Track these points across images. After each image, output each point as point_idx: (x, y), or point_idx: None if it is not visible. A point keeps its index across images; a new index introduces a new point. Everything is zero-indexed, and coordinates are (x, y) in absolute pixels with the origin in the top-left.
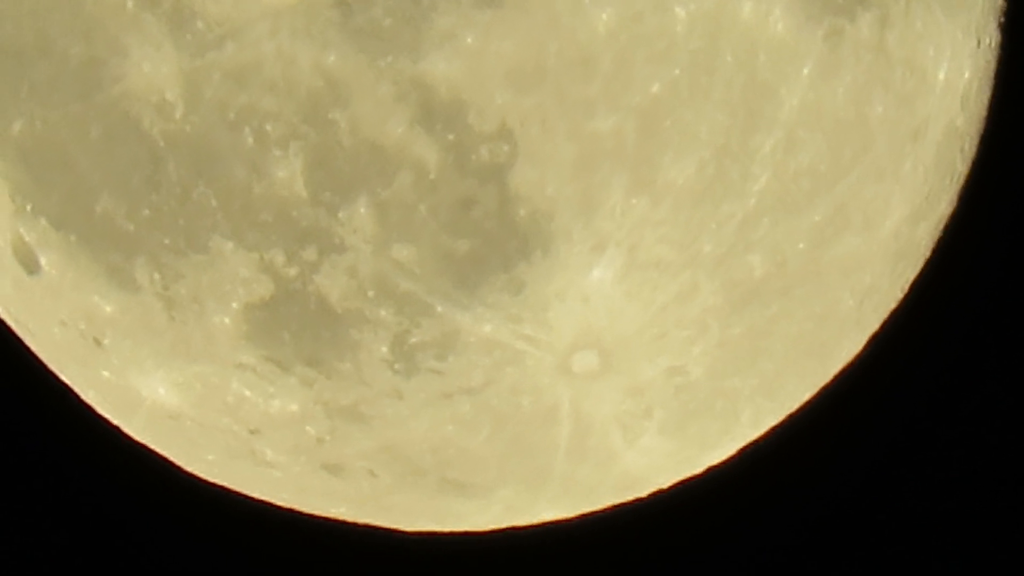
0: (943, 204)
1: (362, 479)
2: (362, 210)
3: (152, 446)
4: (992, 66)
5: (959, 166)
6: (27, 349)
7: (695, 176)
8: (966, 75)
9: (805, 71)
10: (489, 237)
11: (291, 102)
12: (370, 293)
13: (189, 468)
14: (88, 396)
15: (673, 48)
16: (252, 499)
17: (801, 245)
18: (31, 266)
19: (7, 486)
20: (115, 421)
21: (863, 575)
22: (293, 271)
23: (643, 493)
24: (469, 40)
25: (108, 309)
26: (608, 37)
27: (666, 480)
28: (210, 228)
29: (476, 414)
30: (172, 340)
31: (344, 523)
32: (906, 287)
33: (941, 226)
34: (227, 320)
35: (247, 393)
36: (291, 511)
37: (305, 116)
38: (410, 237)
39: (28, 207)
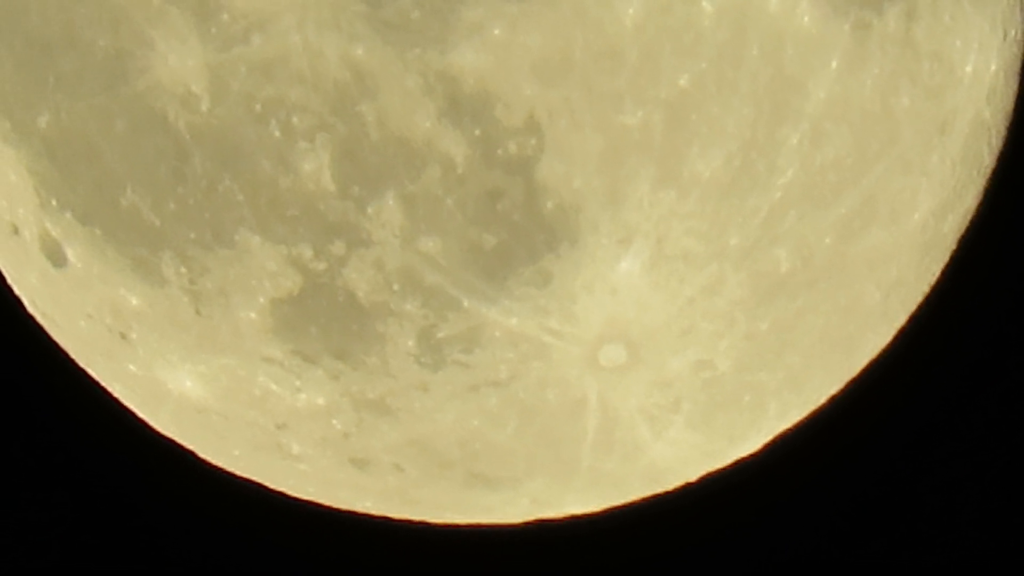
0: (970, 197)
1: (388, 473)
2: (390, 203)
3: (178, 440)
4: (1018, 59)
5: (986, 159)
6: (54, 342)
7: (722, 169)
8: (993, 68)
9: (832, 64)
10: (516, 230)
11: (318, 95)
12: (396, 287)
13: (215, 461)
14: (114, 390)
15: (700, 41)
16: (278, 493)
17: (827, 238)
18: (57, 259)
19: (33, 480)
20: (141, 415)
21: (889, 567)
22: (321, 265)
23: (670, 486)
24: (497, 32)
25: (134, 302)
26: (635, 30)
27: (693, 473)
28: (236, 222)
29: (503, 407)
30: (198, 334)
31: (370, 517)
32: (933, 280)
33: (968, 219)
34: (253, 314)
35: (273, 387)
36: (317, 505)
37: (332, 109)
38: (437, 230)
39: (54, 200)
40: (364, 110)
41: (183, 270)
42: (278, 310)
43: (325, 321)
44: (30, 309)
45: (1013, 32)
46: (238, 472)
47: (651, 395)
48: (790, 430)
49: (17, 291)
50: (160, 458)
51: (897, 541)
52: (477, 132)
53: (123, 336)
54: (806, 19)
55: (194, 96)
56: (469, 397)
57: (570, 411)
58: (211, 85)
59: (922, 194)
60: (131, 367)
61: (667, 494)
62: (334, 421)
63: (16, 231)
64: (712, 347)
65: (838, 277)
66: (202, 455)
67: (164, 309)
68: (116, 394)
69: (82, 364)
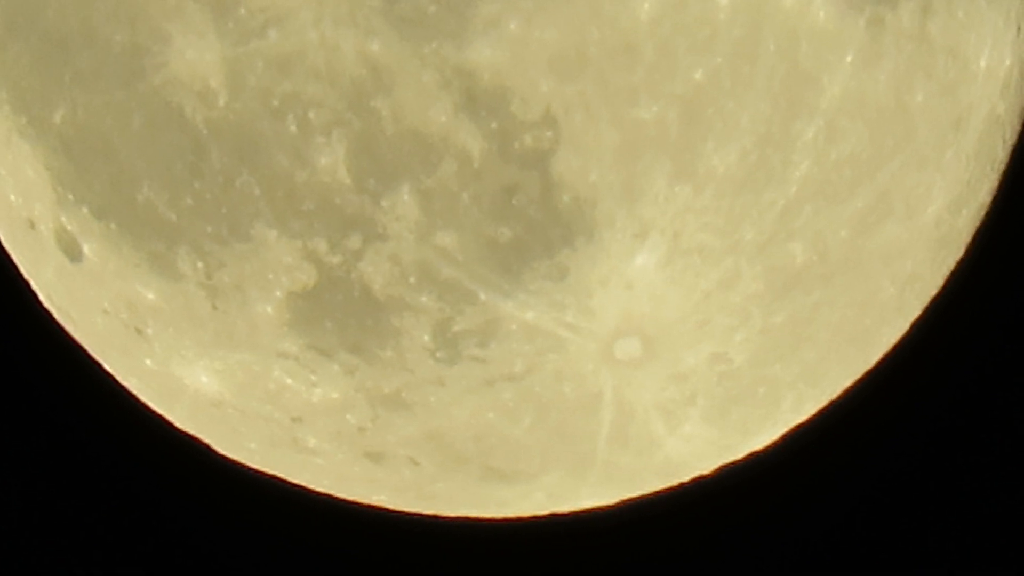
0: (984, 191)
1: (404, 467)
2: (405, 197)
3: (194, 434)
4: None
5: (1000, 154)
6: (70, 337)
7: (737, 164)
8: (1007, 62)
9: (847, 59)
10: (532, 224)
11: (334, 90)
12: (412, 280)
13: (231, 455)
14: (130, 385)
15: (715, 36)
16: (294, 486)
17: (842, 233)
18: (74, 254)
19: (50, 476)
20: (157, 410)
21: (903, 561)
22: (336, 259)
23: (685, 479)
24: (513, 27)
25: (150, 297)
26: (650, 25)
27: (708, 466)
28: (253, 216)
29: (518, 401)
30: (214, 329)
31: (385, 510)
32: (947, 274)
33: (982, 213)
34: (270, 308)
35: (289, 381)
36: (333, 498)
37: (348, 103)
38: (453, 224)
39: (70, 196)
40: (380, 105)
41: (199, 265)
42: (294, 304)
43: (341, 315)
44: (46, 304)
45: None
46: (254, 466)
47: (666, 389)
48: (805, 423)
49: (33, 286)
50: (176, 452)
51: (912, 534)
52: (493, 126)
53: (139, 331)
54: (821, 14)
55: (211, 91)
56: (485, 391)
57: (586, 405)
58: (228, 80)
59: (937, 189)
60: (147, 362)
61: (682, 487)
62: (349, 415)
63: (32, 226)
64: (727, 341)
65: (853, 271)
66: (218, 449)
67: (180, 304)
68: (132, 389)
69: (98, 359)
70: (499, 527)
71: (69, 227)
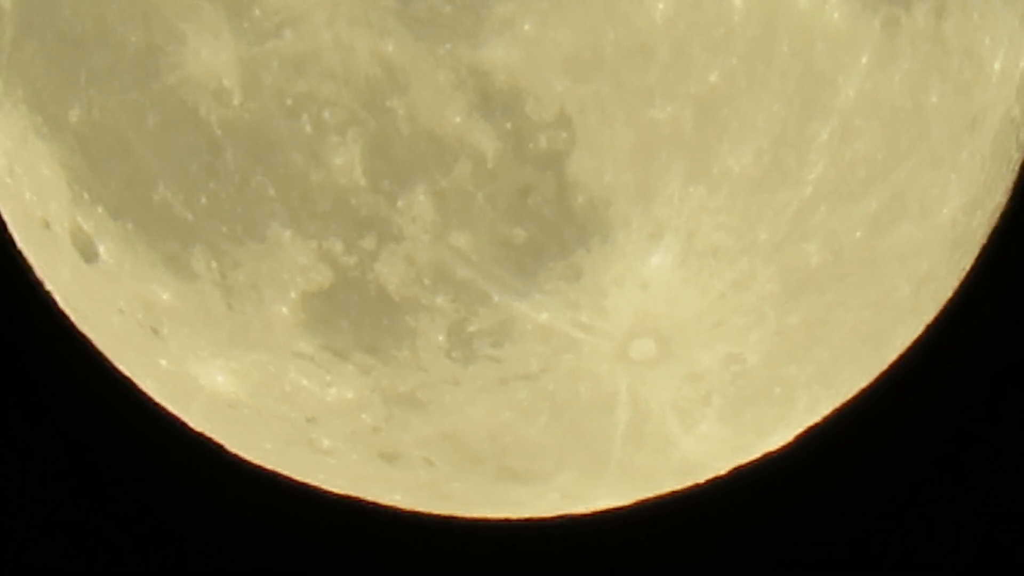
0: (999, 192)
1: (419, 467)
2: (421, 198)
3: (210, 434)
4: None
5: (1015, 154)
6: (85, 338)
7: (752, 164)
8: (1022, 64)
9: (862, 60)
10: (547, 225)
11: (349, 90)
12: (427, 281)
13: (246, 456)
14: (146, 385)
15: (730, 37)
16: (309, 487)
17: (857, 233)
18: (89, 254)
19: (65, 476)
20: (173, 410)
21: (916, 561)
22: (352, 260)
23: (700, 479)
24: (527, 28)
25: (166, 297)
26: (666, 25)
27: (723, 466)
28: (268, 216)
29: (533, 401)
30: (230, 328)
31: (400, 511)
32: (963, 275)
33: (997, 214)
34: (285, 309)
35: (304, 381)
36: (347, 498)
37: (363, 103)
38: (468, 225)
39: (85, 195)
40: (395, 105)
41: (214, 265)
42: (309, 304)
43: (356, 315)
44: (61, 304)
45: None
46: (269, 466)
47: (681, 389)
48: (820, 424)
49: (48, 286)
50: (191, 452)
51: (925, 534)
52: (508, 127)
53: (155, 331)
54: (836, 15)
55: (226, 91)
56: (499, 391)
57: (601, 405)
58: (243, 80)
59: (952, 189)
60: (163, 362)
61: (697, 487)
62: (364, 415)
63: (47, 226)
64: (742, 341)
65: (868, 271)
66: (233, 449)
67: (195, 304)
68: (147, 389)
69: (113, 359)
70: (514, 527)
71: (85, 227)
